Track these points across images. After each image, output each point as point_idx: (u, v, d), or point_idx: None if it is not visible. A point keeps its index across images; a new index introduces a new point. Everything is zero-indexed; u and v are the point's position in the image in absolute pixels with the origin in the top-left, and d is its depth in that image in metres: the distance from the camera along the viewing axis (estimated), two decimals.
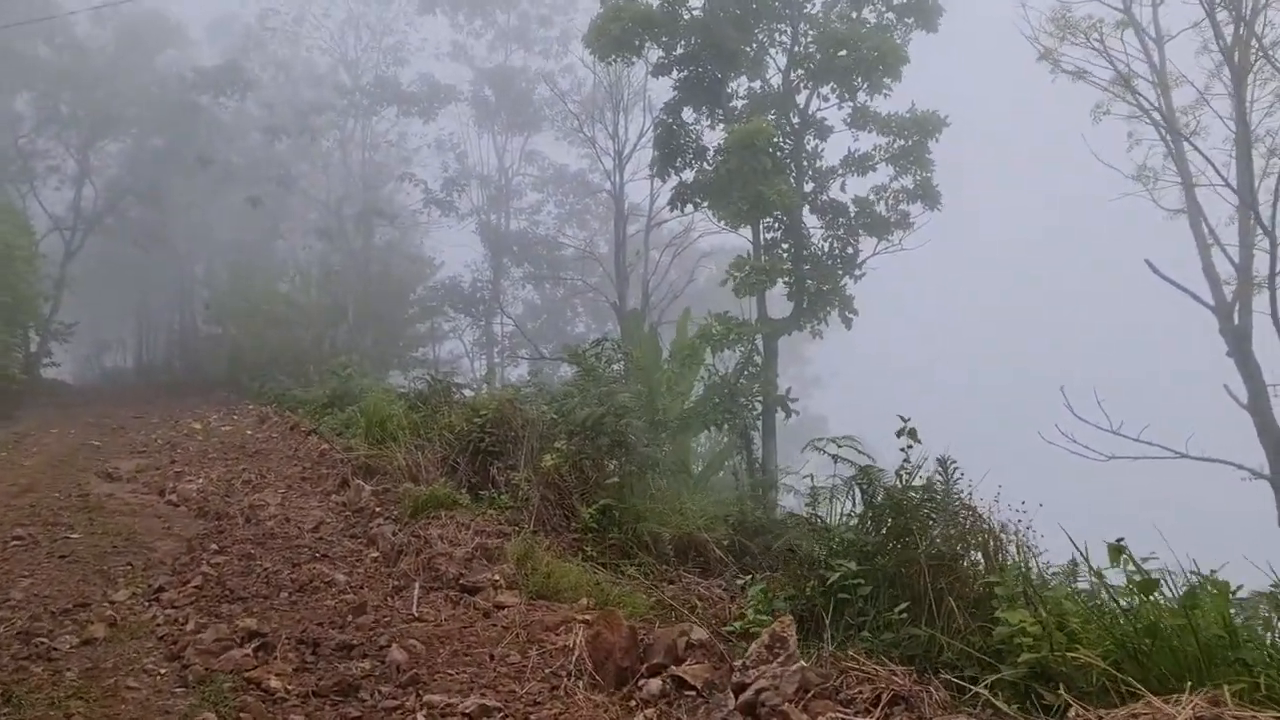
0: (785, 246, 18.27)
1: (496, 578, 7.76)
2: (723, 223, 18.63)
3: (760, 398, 17.07)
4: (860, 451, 6.98)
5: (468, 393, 15.71)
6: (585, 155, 47.68)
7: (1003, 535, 5.78)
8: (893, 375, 70.78)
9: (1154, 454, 15.76)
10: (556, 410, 12.60)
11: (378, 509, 10.89)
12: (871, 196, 18.32)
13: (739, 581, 10.29)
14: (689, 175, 18.89)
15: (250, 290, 38.03)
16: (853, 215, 18.17)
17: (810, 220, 18.59)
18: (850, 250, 18.07)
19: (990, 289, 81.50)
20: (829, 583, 5.86)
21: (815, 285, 17.50)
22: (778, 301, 18.80)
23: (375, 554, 9.31)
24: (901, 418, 6.42)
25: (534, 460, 11.53)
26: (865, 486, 6.44)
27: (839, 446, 6.97)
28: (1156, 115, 17.36)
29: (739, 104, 18.78)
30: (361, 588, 8.02)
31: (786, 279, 17.54)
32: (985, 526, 5.83)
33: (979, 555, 6.21)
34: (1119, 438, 16.10)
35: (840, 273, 17.90)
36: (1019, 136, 70.47)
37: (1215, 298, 16.59)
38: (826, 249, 18.26)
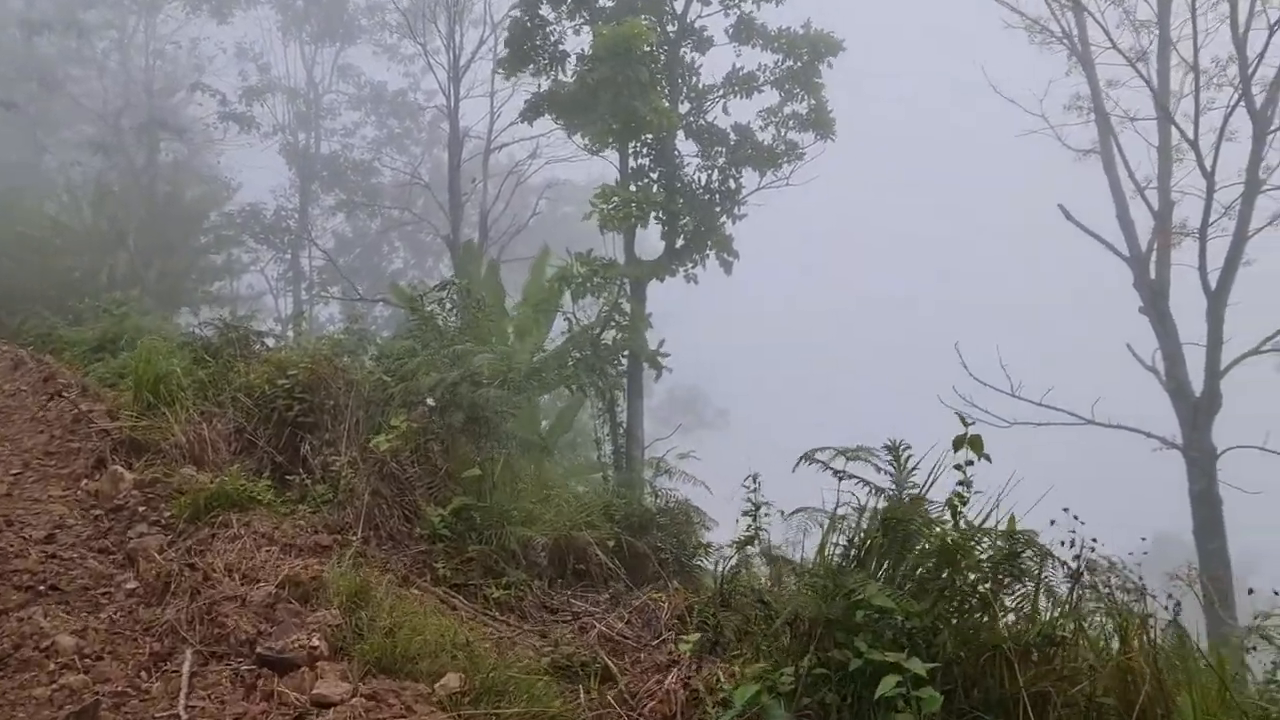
0: (655, 176, 15.98)
1: (315, 641, 5.24)
2: (585, 142, 16.17)
3: (626, 352, 14.85)
4: (881, 469, 4.81)
5: (271, 342, 12.77)
6: (408, 74, 43.90)
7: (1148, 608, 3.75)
8: (750, 320, 68.92)
9: (1058, 420, 14.56)
10: (388, 370, 9.95)
11: (142, 508, 8.03)
12: (757, 123, 16.22)
13: (635, 598, 8.14)
14: (545, 84, 16.28)
15: (10, 211, 32.73)
16: (733, 143, 16.02)
17: (686, 147, 16.39)
18: (731, 184, 15.96)
19: (884, 231, 78.42)
20: (880, 695, 3.66)
21: (692, 222, 15.31)
22: (641, 241, 16.54)
23: (132, 585, 6.58)
24: (963, 419, 4.28)
25: (361, 438, 8.95)
26: (896, 523, 4.26)
27: (846, 459, 4.78)
28: (1066, 35, 15.98)
29: (607, 3, 16.18)
30: (101, 657, 5.35)
31: (659, 214, 15.28)
32: (1117, 598, 3.78)
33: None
34: (1021, 402, 14.86)
35: (719, 209, 15.77)
36: (928, 62, 67.30)
37: (1130, 248, 15.44)
38: (703, 181, 16.09)
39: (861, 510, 4.53)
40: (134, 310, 22.38)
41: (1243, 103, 13.00)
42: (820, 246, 76.39)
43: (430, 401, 8.08)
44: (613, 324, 14.61)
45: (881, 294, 75.15)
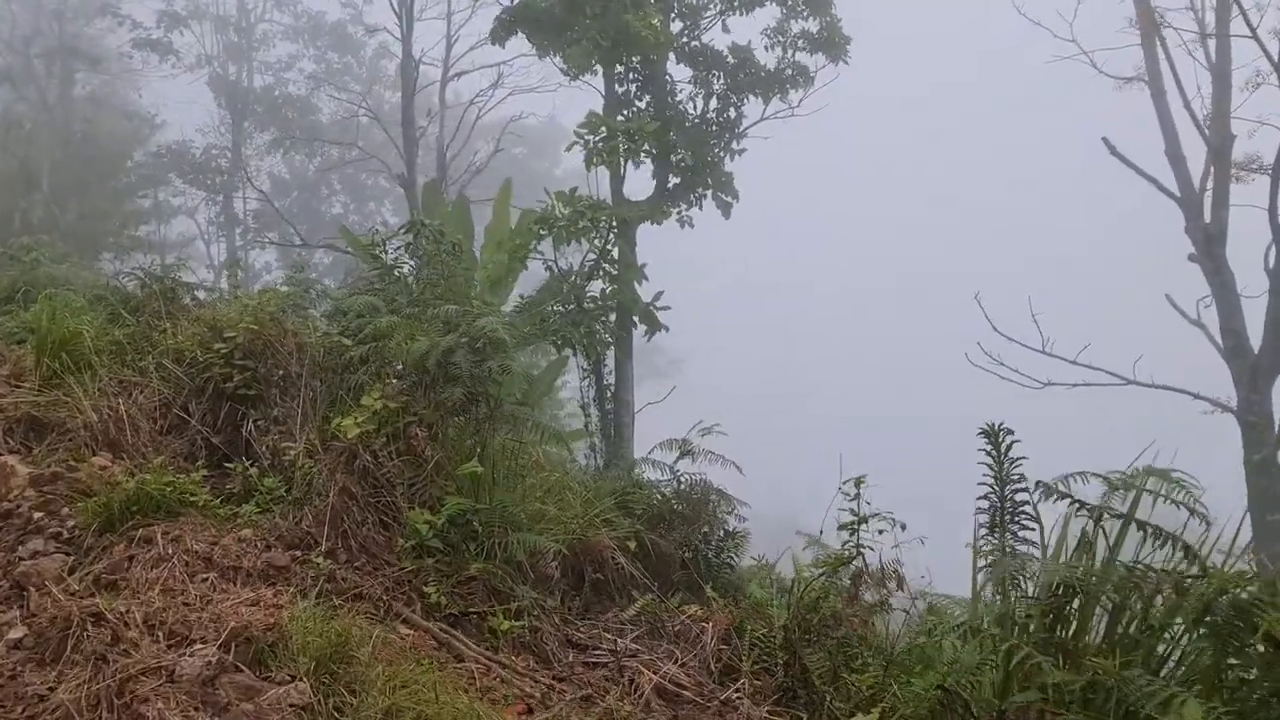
0: (643, 105, 14.20)
1: None
2: (562, 65, 14.31)
3: (613, 305, 13.19)
4: (1177, 502, 3.25)
5: (203, 295, 10.89)
6: (348, 4, 41.25)
7: None
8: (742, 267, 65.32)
9: (1096, 380, 13.25)
10: (346, 331, 8.17)
11: (39, 514, 6.29)
12: (761, 43, 14.48)
13: (672, 618, 6.62)
14: None
15: None
16: (731, 66, 14.24)
17: (677, 73, 14.58)
18: (731, 113, 14.22)
19: (903, 167, 73.27)
20: None
21: (687, 157, 13.59)
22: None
23: (19, 633, 4.88)
24: None
25: (318, 417, 7.29)
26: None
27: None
28: None
29: None
30: None
31: (650, 148, 13.52)
32: None
33: None
34: (1053, 360, 13.52)
35: (714, 143, 14.05)
36: None
37: (1181, 187, 14.00)
38: (698, 110, 14.34)
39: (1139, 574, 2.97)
40: (47, 257, 20.15)
41: None
42: (829, 185, 72.14)
43: (408, 365, 6.41)
44: (600, 273, 12.93)
45: (898, 237, 71.60)
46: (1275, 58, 11.49)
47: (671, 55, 14.38)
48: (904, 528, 4.73)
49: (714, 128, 14.24)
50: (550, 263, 13.00)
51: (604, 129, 12.64)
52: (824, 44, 14.20)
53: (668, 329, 13.44)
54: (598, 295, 12.95)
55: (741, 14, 14.37)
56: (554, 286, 12.79)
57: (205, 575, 5.28)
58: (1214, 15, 13.84)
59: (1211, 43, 13.86)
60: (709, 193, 14.02)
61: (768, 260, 70.69)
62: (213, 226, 39.36)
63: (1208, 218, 13.57)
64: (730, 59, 14.39)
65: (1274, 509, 12.33)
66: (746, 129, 14.40)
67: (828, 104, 14.52)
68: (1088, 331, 13.56)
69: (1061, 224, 64.11)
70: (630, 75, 14.28)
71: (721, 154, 14.09)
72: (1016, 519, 7.09)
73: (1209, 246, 13.34)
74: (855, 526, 4.95)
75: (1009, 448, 7.13)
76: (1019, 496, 7.13)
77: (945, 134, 71.14)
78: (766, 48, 14.57)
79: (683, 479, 8.42)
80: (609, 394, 13.15)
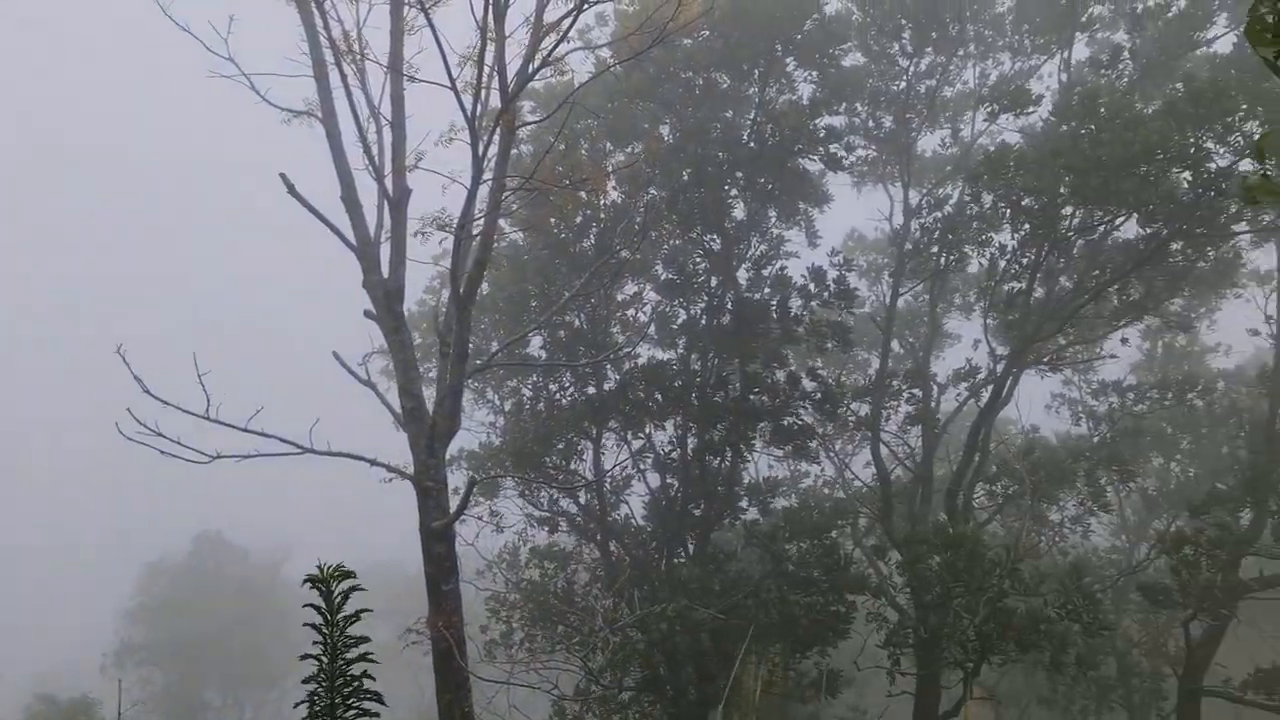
0: None
1: None
2: None
3: None
4: None
5: None
6: None
7: None
8: None
9: (272, 449, 11.78)
10: None
11: None
12: None
13: None
14: None
15: None
16: None
17: None
18: None
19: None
20: None
21: None
22: None
23: None
24: None
25: None
26: None
27: None
28: None
29: None
30: None
31: None
32: None
33: None
34: (222, 427, 11.71)
35: None
36: None
37: (359, 236, 12.83)
38: None
39: None
40: None
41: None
42: None
43: None
44: None
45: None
46: (468, 113, 11.09)
47: None
48: None
49: None
50: None
51: None
52: None
53: None
54: None
55: None
56: None
57: None
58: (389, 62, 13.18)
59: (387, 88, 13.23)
60: None
61: None
62: None
63: (385, 272, 12.82)
64: None
65: (448, 577, 12.11)
66: None
67: None
68: (263, 395, 11.98)
69: (236, 270, 62.15)
70: None
71: None
72: (353, 701, 5.21)
73: (388, 303, 12.61)
74: None
75: (346, 596, 5.27)
76: (356, 668, 5.26)
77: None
78: None
79: None
80: None
